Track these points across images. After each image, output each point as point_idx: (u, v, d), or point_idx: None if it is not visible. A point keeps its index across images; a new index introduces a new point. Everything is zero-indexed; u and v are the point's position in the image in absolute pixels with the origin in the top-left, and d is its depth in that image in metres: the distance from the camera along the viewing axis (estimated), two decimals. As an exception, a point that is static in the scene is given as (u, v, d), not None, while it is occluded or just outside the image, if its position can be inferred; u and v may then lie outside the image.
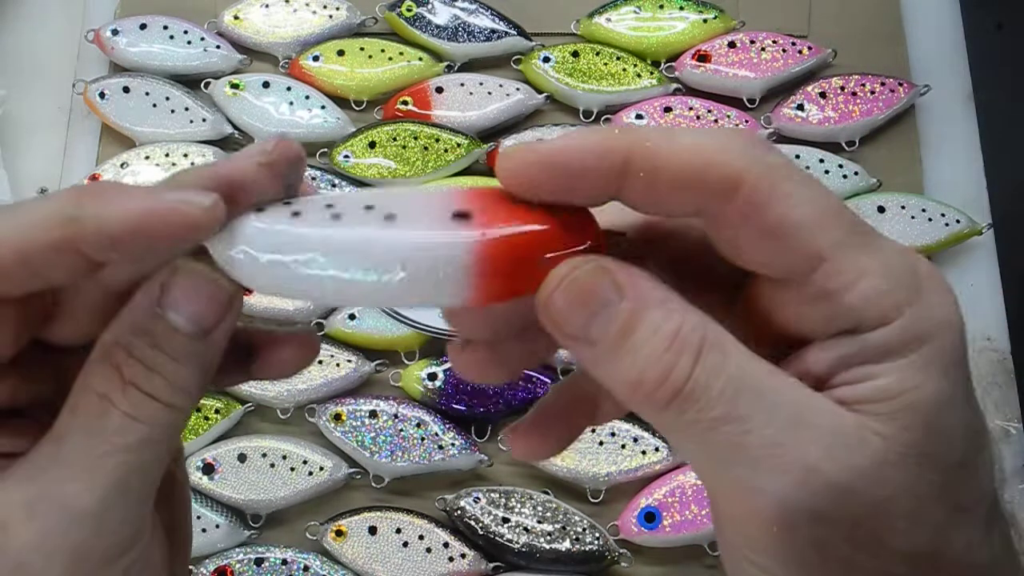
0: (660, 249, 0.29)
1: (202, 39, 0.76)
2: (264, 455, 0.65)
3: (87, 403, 0.25)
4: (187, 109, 0.74)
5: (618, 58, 0.75)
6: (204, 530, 0.64)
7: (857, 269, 0.24)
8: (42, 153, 0.77)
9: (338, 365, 0.67)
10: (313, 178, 0.72)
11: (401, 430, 0.65)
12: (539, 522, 0.63)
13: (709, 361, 0.23)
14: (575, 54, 0.75)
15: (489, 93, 0.74)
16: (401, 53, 0.76)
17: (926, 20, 0.79)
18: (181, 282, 0.25)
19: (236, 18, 0.77)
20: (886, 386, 0.23)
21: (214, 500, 0.65)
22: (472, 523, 0.63)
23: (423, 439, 0.65)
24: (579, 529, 0.63)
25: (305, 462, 0.65)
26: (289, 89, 0.74)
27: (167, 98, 0.74)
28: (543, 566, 0.63)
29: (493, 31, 0.76)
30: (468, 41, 0.76)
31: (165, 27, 0.76)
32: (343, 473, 0.65)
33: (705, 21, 0.76)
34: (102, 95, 0.74)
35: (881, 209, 0.71)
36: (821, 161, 0.72)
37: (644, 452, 0.65)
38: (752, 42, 0.75)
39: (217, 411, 0.67)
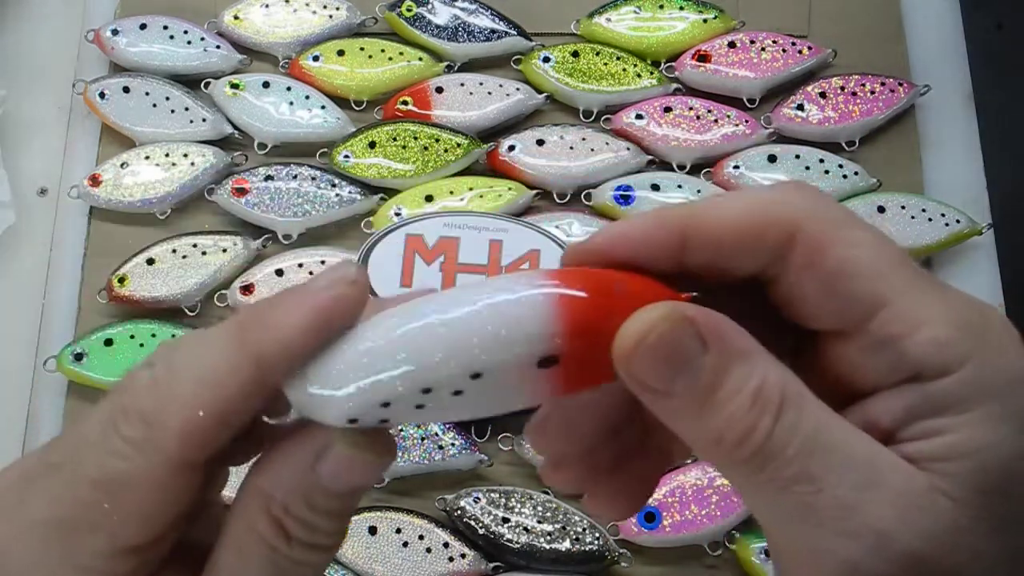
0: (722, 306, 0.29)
1: (202, 39, 0.76)
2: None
3: (252, 546, 0.25)
4: (187, 109, 0.74)
5: (618, 58, 0.75)
6: (204, 530, 0.64)
7: (918, 315, 0.23)
8: (42, 153, 0.77)
9: (338, 365, 0.67)
10: (314, 178, 0.72)
11: (401, 430, 0.65)
12: (539, 522, 0.63)
13: (787, 419, 0.22)
14: (575, 54, 0.75)
15: (489, 93, 0.74)
16: (401, 53, 0.76)
17: (926, 20, 0.79)
18: (341, 455, 0.25)
19: (236, 18, 0.77)
20: (955, 443, 0.22)
21: (214, 500, 0.65)
22: (472, 523, 0.63)
23: (423, 439, 0.65)
24: (579, 529, 0.63)
25: (305, 462, 0.65)
26: (289, 89, 0.74)
27: (167, 98, 0.74)
28: (543, 566, 0.63)
29: (493, 31, 0.76)
30: (468, 41, 0.76)
31: (165, 27, 0.76)
32: (343, 473, 0.65)
33: (705, 21, 0.76)
34: (102, 95, 0.74)
35: (881, 209, 0.71)
36: (821, 161, 0.72)
37: (644, 452, 0.65)
38: (752, 42, 0.75)
39: (217, 411, 0.66)
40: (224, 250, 0.71)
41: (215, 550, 0.26)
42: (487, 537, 0.63)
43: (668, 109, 0.74)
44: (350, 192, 0.72)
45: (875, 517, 0.22)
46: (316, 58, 0.75)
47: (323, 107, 0.74)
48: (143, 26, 0.76)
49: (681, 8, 0.77)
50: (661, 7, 0.77)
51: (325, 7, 0.77)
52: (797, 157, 0.72)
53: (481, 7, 0.76)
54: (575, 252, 0.26)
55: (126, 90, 0.74)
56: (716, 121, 0.73)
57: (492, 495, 0.64)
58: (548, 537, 0.63)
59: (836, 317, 0.24)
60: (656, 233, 0.25)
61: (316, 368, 0.24)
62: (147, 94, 0.74)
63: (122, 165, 0.73)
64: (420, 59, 0.76)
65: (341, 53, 0.75)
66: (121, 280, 0.70)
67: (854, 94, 0.74)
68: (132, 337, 0.68)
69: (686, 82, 0.76)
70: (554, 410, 0.29)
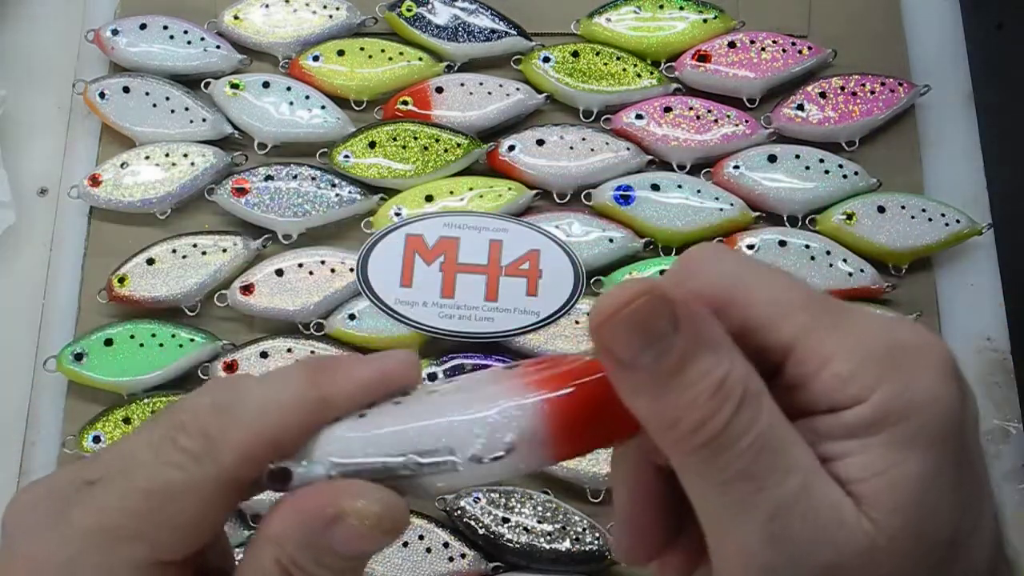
0: None
1: (202, 39, 0.76)
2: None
3: None
4: (187, 109, 0.74)
5: (618, 58, 0.75)
6: (204, 530, 0.64)
7: (822, 354, 0.24)
8: (42, 153, 0.77)
9: (338, 365, 0.67)
10: (314, 178, 0.72)
11: (401, 430, 0.65)
12: (539, 522, 0.63)
13: (745, 414, 0.23)
14: (575, 54, 0.75)
15: (489, 93, 0.74)
16: (401, 53, 0.76)
17: (926, 20, 0.79)
18: (352, 525, 0.26)
19: (236, 18, 0.77)
20: (865, 464, 0.23)
21: (214, 500, 0.65)
22: (472, 523, 0.63)
23: (423, 439, 0.65)
24: (579, 529, 0.63)
25: (305, 462, 0.65)
26: (289, 89, 0.74)
27: (167, 98, 0.74)
28: (543, 566, 0.63)
29: (493, 31, 0.76)
30: (468, 41, 0.76)
31: (165, 27, 0.76)
32: (343, 473, 0.65)
33: (705, 21, 0.76)
34: (102, 95, 0.74)
35: (881, 209, 0.71)
36: (821, 161, 0.72)
37: (644, 452, 0.65)
38: (752, 42, 0.75)
39: (217, 411, 0.66)
40: (224, 250, 0.70)
41: None
42: (487, 537, 0.63)
43: (668, 109, 0.74)
44: (350, 192, 0.72)
45: (802, 527, 0.23)
46: (316, 58, 0.75)
47: (323, 107, 0.74)
48: (143, 26, 0.76)
49: (681, 8, 0.77)
50: (661, 7, 0.77)
51: (325, 7, 0.77)
52: (797, 157, 0.72)
53: (481, 7, 0.76)
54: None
55: (126, 90, 0.74)
56: (716, 121, 0.73)
57: (492, 495, 0.64)
58: (548, 537, 0.63)
59: (759, 365, 0.25)
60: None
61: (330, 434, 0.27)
62: (147, 94, 0.74)
63: (122, 165, 0.73)
64: (420, 59, 0.76)
65: (341, 53, 0.75)
66: (121, 280, 0.70)
67: (854, 94, 0.74)
68: (132, 337, 0.68)
69: (686, 82, 0.76)
70: (625, 525, 0.32)
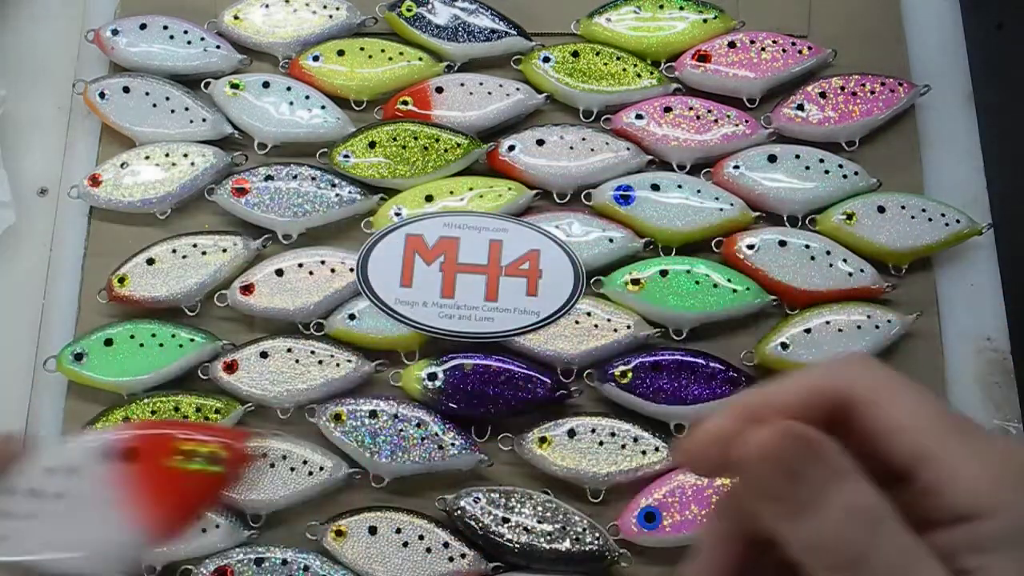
0: None
1: (202, 39, 0.76)
2: (264, 455, 0.65)
3: None
4: (187, 109, 0.74)
5: (618, 58, 0.75)
6: (204, 530, 0.64)
7: (956, 466, 0.26)
8: (42, 153, 0.77)
9: (338, 365, 0.67)
10: (314, 178, 0.72)
11: (401, 430, 0.65)
12: (539, 522, 0.63)
13: (881, 538, 0.25)
14: (575, 54, 0.75)
15: (489, 93, 0.74)
16: (401, 53, 0.76)
17: (926, 20, 0.79)
18: None
19: (236, 18, 0.77)
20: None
21: (214, 500, 0.65)
22: (472, 523, 0.63)
23: (423, 439, 0.65)
24: (579, 529, 0.63)
25: (305, 462, 0.65)
26: (289, 89, 0.74)
27: (167, 98, 0.74)
28: (543, 566, 0.63)
29: (493, 31, 0.76)
30: (468, 41, 0.76)
31: (165, 27, 0.76)
32: (343, 473, 0.65)
33: (705, 21, 0.76)
34: (102, 95, 0.74)
35: (881, 209, 0.71)
36: (821, 161, 0.72)
37: (644, 452, 0.65)
38: (752, 42, 0.75)
39: (217, 411, 0.67)
40: (224, 250, 0.71)
41: None
42: (487, 537, 0.63)
43: (668, 109, 0.74)
44: (350, 192, 0.72)
45: None
46: (316, 58, 0.75)
47: (323, 107, 0.74)
48: (143, 26, 0.76)
49: (681, 8, 0.77)
50: (661, 7, 0.77)
51: (325, 7, 0.77)
52: (797, 157, 0.72)
53: (481, 7, 0.76)
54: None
55: (126, 90, 0.74)
56: (716, 121, 0.73)
57: (492, 495, 0.64)
58: (548, 537, 0.63)
59: (889, 472, 0.28)
60: (730, 424, 0.29)
61: None
62: (147, 94, 0.74)
63: (122, 165, 0.73)
64: (420, 59, 0.76)
65: (341, 53, 0.75)
66: (121, 280, 0.70)
67: (854, 94, 0.74)
68: (132, 337, 0.68)
69: (686, 82, 0.76)
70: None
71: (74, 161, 0.76)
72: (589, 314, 0.68)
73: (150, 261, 0.70)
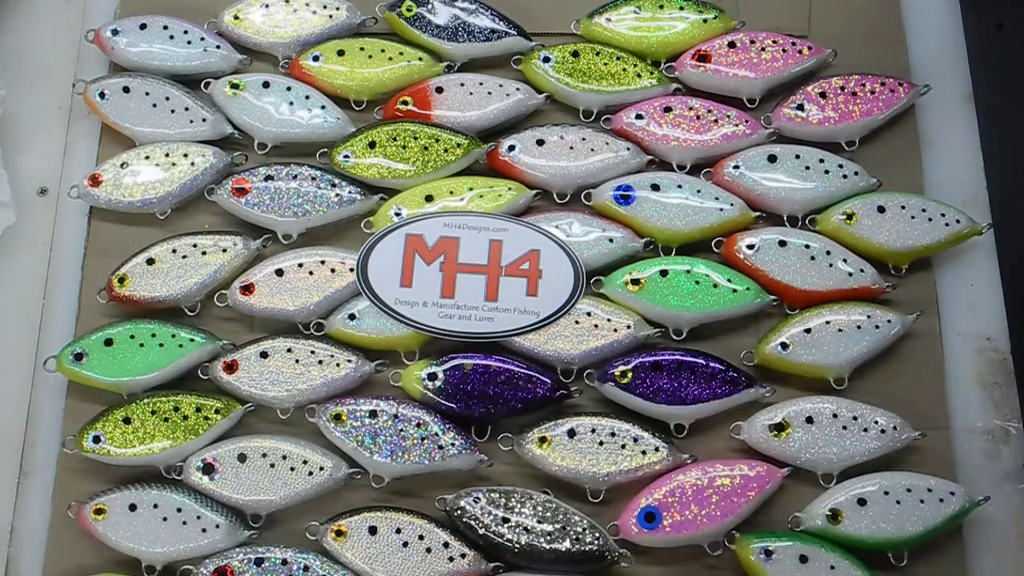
0: None
1: (202, 39, 0.76)
2: (264, 455, 0.65)
3: None
4: (187, 109, 0.74)
5: (618, 58, 0.75)
6: (204, 530, 0.64)
7: None
8: (42, 153, 0.77)
9: (338, 365, 0.67)
10: (314, 178, 0.72)
11: (401, 430, 0.65)
12: (539, 522, 0.63)
13: None
14: (575, 54, 0.75)
15: (489, 93, 0.74)
16: (401, 53, 0.76)
17: (926, 20, 0.79)
18: None
19: (236, 18, 0.77)
20: None
21: (214, 500, 0.65)
22: (472, 523, 0.63)
23: (423, 439, 0.65)
24: (579, 529, 0.63)
25: (305, 462, 0.65)
26: (289, 89, 0.74)
27: (167, 98, 0.74)
28: (543, 566, 0.63)
29: (493, 31, 0.76)
30: (468, 41, 0.76)
31: (165, 27, 0.76)
32: (343, 473, 0.65)
33: (705, 21, 0.76)
34: (102, 95, 0.74)
35: (881, 209, 0.71)
36: (821, 161, 0.72)
37: (644, 452, 0.65)
38: (752, 42, 0.75)
39: (217, 411, 0.67)
40: (224, 250, 0.71)
41: None
42: (487, 537, 0.63)
43: (668, 109, 0.74)
44: (350, 192, 0.72)
45: None
46: (316, 58, 0.75)
47: (323, 107, 0.74)
48: (143, 26, 0.76)
49: (681, 8, 0.77)
50: (661, 7, 0.77)
51: (325, 7, 0.77)
52: (797, 157, 0.72)
53: (481, 7, 0.76)
54: None
55: (126, 90, 0.74)
56: (716, 121, 0.73)
57: (492, 495, 0.64)
58: (548, 537, 0.63)
59: None
60: None
61: None
62: (147, 94, 0.74)
63: (122, 165, 0.73)
64: (420, 59, 0.76)
65: (341, 53, 0.75)
66: (121, 280, 0.70)
67: (854, 94, 0.74)
68: (132, 337, 0.68)
69: (686, 82, 0.76)
70: None
71: (74, 161, 0.76)
72: (589, 314, 0.68)
73: (150, 261, 0.70)
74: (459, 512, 0.64)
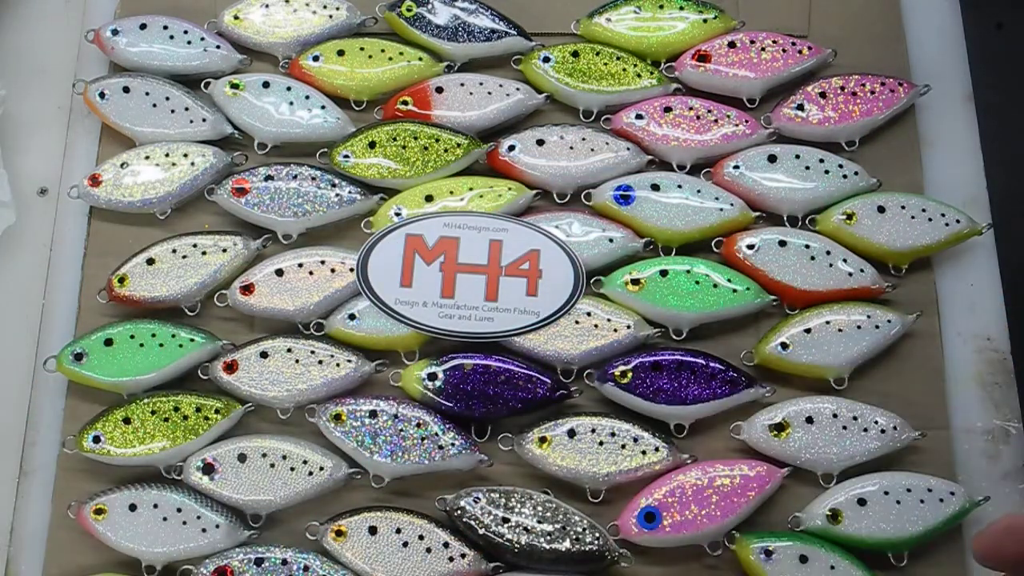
0: None
1: (202, 39, 0.76)
2: (264, 455, 0.65)
3: None
4: (187, 109, 0.74)
5: (618, 58, 0.75)
6: (204, 530, 0.64)
7: None
8: (42, 153, 0.77)
9: (338, 365, 0.67)
10: (314, 178, 0.72)
11: (401, 430, 0.65)
12: (539, 522, 0.63)
13: None
14: (575, 54, 0.75)
15: (489, 93, 0.74)
16: (401, 53, 0.76)
17: (926, 20, 0.79)
18: None
19: (236, 18, 0.77)
20: None
21: (214, 500, 0.65)
22: (472, 523, 0.63)
23: (423, 439, 0.65)
24: (579, 529, 0.63)
25: (305, 462, 0.65)
26: (289, 89, 0.74)
27: (167, 98, 0.74)
28: (543, 566, 0.63)
29: (493, 31, 0.76)
30: (468, 41, 0.76)
31: (165, 27, 0.76)
32: (343, 473, 0.65)
33: (705, 21, 0.76)
34: (102, 95, 0.74)
35: (881, 209, 0.71)
36: (821, 161, 0.72)
37: (644, 452, 0.65)
38: (752, 42, 0.75)
39: (217, 411, 0.67)
40: (224, 250, 0.71)
41: None
42: (487, 537, 0.63)
43: (668, 109, 0.74)
44: (350, 192, 0.72)
45: None
46: (316, 58, 0.75)
47: (323, 107, 0.74)
48: (143, 26, 0.76)
49: (681, 8, 0.77)
50: (661, 7, 0.77)
51: (325, 7, 0.77)
52: (797, 157, 0.72)
53: (481, 7, 0.76)
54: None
55: (126, 90, 0.74)
56: (716, 121, 0.73)
57: (492, 495, 0.64)
58: (548, 537, 0.63)
59: None
60: None
61: None
62: (147, 94, 0.74)
63: (122, 165, 0.73)
64: (420, 59, 0.76)
65: (341, 53, 0.75)
66: (121, 280, 0.70)
67: (854, 94, 0.74)
68: (132, 337, 0.68)
69: (686, 82, 0.76)
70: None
71: (74, 161, 0.76)
72: (589, 314, 0.68)
73: (150, 261, 0.70)
74: (459, 512, 0.64)
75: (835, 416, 0.66)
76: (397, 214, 0.71)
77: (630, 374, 0.66)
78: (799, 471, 0.66)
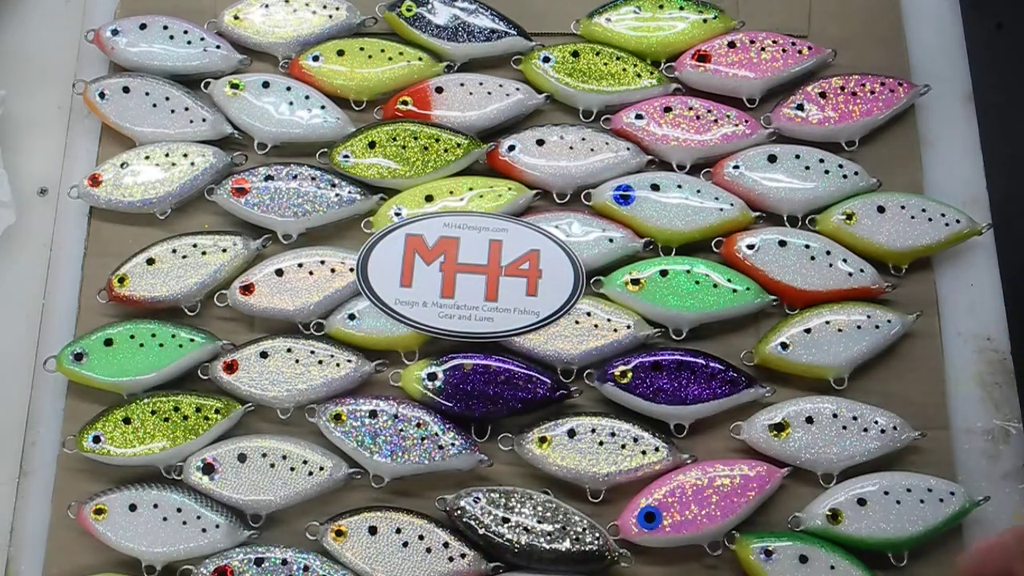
0: None
1: (202, 39, 0.76)
2: (264, 455, 0.65)
3: None
4: (187, 109, 0.74)
5: (618, 58, 0.75)
6: (204, 530, 0.64)
7: None
8: (42, 153, 0.77)
9: (338, 365, 0.67)
10: (314, 178, 0.72)
11: (401, 430, 0.65)
12: (539, 522, 0.63)
13: None
14: (575, 54, 0.75)
15: (489, 93, 0.74)
16: (401, 53, 0.76)
17: (926, 20, 0.79)
18: None
19: (236, 18, 0.77)
20: None
21: (214, 500, 0.65)
22: (472, 523, 0.63)
23: (423, 439, 0.65)
24: (579, 529, 0.63)
25: (305, 462, 0.65)
26: (289, 89, 0.74)
27: (167, 98, 0.74)
28: (543, 566, 0.63)
29: (493, 31, 0.76)
30: (468, 41, 0.76)
31: (165, 27, 0.76)
32: (343, 473, 0.65)
33: (705, 21, 0.76)
34: (102, 95, 0.74)
35: (881, 209, 0.71)
36: (821, 161, 0.72)
37: (644, 452, 0.65)
38: (752, 42, 0.75)
39: (217, 411, 0.67)
40: (224, 250, 0.71)
41: None
42: (487, 537, 0.63)
43: (668, 109, 0.74)
44: (350, 192, 0.72)
45: None
46: (316, 58, 0.75)
47: (323, 107, 0.74)
48: (143, 26, 0.76)
49: (681, 8, 0.77)
50: (661, 7, 0.77)
51: (325, 7, 0.77)
52: (797, 157, 0.72)
53: (481, 7, 0.76)
54: None
55: (126, 90, 0.74)
56: (716, 121, 0.73)
57: (492, 495, 0.64)
58: (548, 537, 0.63)
59: None
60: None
61: None
62: (147, 94, 0.74)
63: (122, 165, 0.73)
64: (420, 59, 0.76)
65: (341, 53, 0.75)
66: (121, 280, 0.70)
67: (854, 94, 0.74)
68: (132, 337, 0.68)
69: (686, 82, 0.76)
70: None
71: (74, 161, 0.76)
72: (589, 314, 0.68)
73: (150, 261, 0.70)
74: (459, 512, 0.64)
75: (835, 416, 0.66)
76: (397, 214, 0.71)
77: (630, 374, 0.66)
78: (799, 471, 0.66)
